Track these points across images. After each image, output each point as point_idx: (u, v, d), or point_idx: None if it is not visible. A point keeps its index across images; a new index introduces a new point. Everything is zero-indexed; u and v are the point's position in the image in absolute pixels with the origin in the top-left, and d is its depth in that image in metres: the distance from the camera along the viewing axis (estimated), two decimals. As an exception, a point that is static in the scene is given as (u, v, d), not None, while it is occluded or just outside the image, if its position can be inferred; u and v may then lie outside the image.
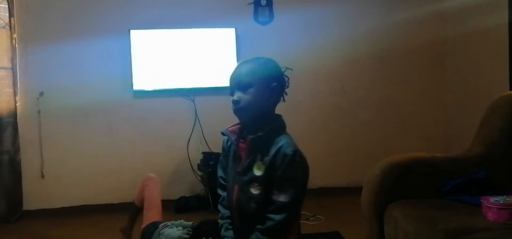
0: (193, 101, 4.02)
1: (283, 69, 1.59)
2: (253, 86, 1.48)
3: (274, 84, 1.53)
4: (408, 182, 2.06)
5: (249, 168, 1.50)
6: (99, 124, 3.98)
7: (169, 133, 4.05)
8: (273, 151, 1.46)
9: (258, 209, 1.47)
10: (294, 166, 1.45)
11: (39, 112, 3.85)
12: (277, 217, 1.44)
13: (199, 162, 3.95)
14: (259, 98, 1.49)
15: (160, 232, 2.24)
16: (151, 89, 3.92)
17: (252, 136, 1.50)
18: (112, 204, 3.88)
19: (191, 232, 2.19)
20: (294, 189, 1.45)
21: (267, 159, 1.47)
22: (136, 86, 3.89)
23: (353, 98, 4.26)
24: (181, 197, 3.91)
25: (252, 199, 1.49)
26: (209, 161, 3.77)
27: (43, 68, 3.87)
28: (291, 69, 1.60)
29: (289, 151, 1.45)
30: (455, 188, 2.00)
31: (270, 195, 1.46)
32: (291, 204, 1.44)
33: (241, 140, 1.55)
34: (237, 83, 1.50)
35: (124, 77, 3.88)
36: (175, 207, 3.79)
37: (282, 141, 1.48)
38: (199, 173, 4.00)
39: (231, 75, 1.54)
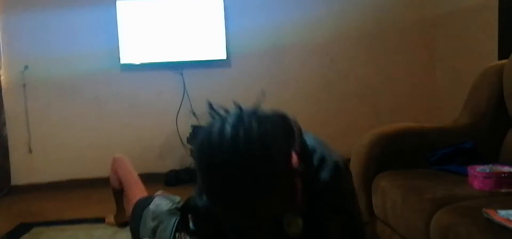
0: (181, 74, 3.98)
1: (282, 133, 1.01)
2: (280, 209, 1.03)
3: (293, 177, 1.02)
4: (396, 152, 2.07)
5: (281, 231, 1.11)
6: (86, 97, 3.94)
7: (158, 107, 4.02)
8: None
9: None
10: (343, 181, 1.10)
11: (24, 85, 3.80)
12: None
13: (188, 135, 3.94)
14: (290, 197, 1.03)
15: (156, 204, 2.24)
16: (139, 63, 3.87)
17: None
18: (101, 178, 3.87)
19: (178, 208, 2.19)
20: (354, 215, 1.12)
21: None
22: (124, 60, 3.84)
23: (342, 70, 4.24)
24: (171, 170, 3.91)
25: None
26: (198, 134, 3.75)
27: (27, 41, 3.80)
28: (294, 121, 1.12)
29: (328, 170, 1.07)
30: (442, 158, 2.02)
31: None
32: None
33: None
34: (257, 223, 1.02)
35: (111, 50, 3.82)
36: (165, 181, 3.80)
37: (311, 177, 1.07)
38: (189, 146, 4.00)
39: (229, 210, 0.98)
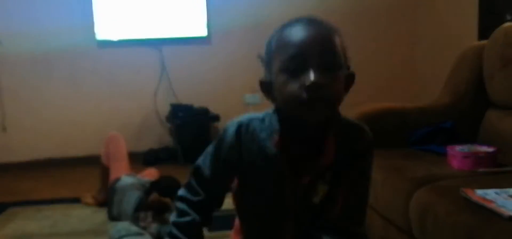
0: (160, 51, 3.90)
1: None
2: (341, 68, 0.97)
3: (350, 69, 1.03)
4: (376, 132, 2.02)
5: (308, 195, 1.04)
6: (62, 74, 3.84)
7: (136, 85, 3.95)
8: (341, 152, 1.03)
9: None
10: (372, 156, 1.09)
11: (-3, 62, 3.68)
12: None
13: (167, 114, 3.88)
14: (342, 88, 0.99)
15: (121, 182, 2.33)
16: (116, 39, 3.78)
17: (340, 155, 1.02)
18: (78, 157, 3.80)
19: (148, 186, 2.30)
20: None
21: (328, 174, 1.03)
22: (100, 36, 3.75)
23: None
24: (149, 149, 3.86)
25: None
26: (177, 113, 3.72)
27: (0, 15, 3.66)
28: None
29: (366, 140, 1.08)
30: (422, 137, 2.03)
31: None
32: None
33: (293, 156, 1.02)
34: (320, 55, 0.93)
35: (87, 26, 3.72)
36: (143, 159, 3.75)
37: (345, 129, 1.05)
38: (167, 125, 3.95)
39: (297, 34, 0.99)
